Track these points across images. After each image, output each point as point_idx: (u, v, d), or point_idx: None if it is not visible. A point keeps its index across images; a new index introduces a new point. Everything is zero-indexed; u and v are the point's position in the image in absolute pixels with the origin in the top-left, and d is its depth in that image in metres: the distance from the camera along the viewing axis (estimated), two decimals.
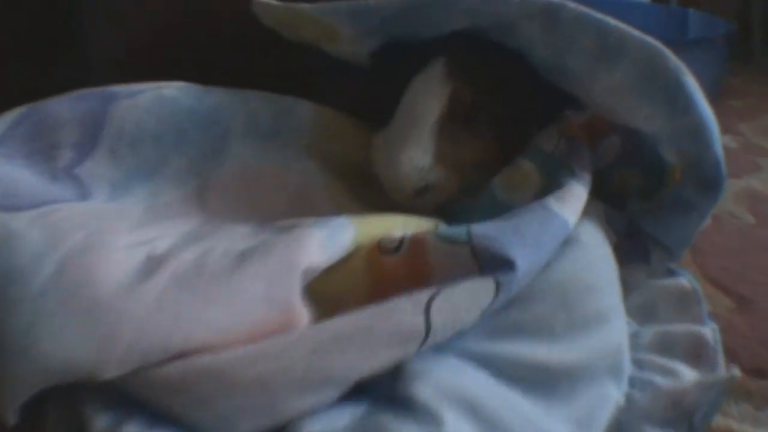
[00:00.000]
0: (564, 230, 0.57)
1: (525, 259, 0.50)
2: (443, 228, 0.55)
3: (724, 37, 1.87)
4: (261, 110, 0.72)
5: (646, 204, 0.71)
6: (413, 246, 0.53)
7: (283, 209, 0.65)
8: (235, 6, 1.36)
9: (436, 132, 0.66)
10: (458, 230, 0.52)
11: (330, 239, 0.52)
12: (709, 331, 0.62)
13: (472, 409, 0.45)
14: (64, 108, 0.66)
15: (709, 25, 1.39)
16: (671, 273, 0.71)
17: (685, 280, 0.69)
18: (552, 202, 0.58)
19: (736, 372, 0.54)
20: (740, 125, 1.56)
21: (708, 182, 0.64)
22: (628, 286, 0.63)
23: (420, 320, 0.46)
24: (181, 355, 0.44)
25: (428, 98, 0.66)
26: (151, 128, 0.67)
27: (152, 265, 0.50)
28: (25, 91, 0.70)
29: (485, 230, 0.52)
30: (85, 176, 0.63)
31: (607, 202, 0.70)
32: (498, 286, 0.49)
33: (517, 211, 0.56)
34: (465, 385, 0.46)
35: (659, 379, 0.56)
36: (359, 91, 0.81)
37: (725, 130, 1.39)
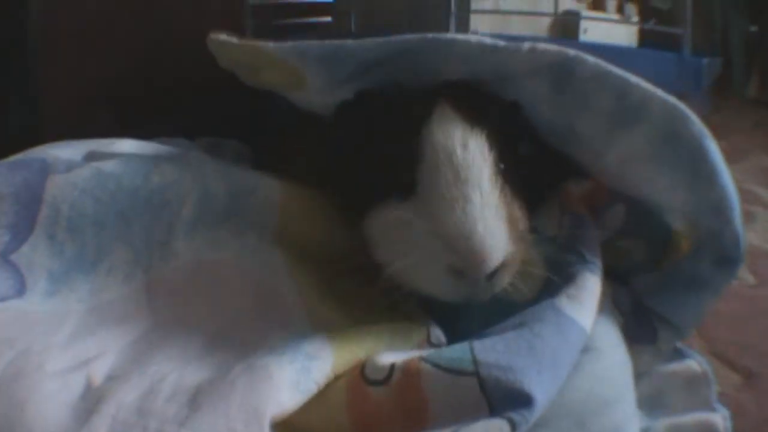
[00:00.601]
0: (582, 339, 0.53)
1: (543, 389, 0.46)
2: (441, 351, 0.49)
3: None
4: (217, 189, 0.64)
5: (651, 277, 0.66)
6: (405, 376, 0.47)
7: (244, 313, 0.58)
8: (194, 50, 1.39)
9: (497, 193, 0.55)
10: (460, 354, 0.47)
11: (303, 375, 0.47)
12: (720, 419, 0.58)
13: None
14: (1, 179, 0.61)
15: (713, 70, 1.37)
16: (680, 354, 0.67)
17: (694, 363, 0.65)
18: (565, 303, 0.54)
19: None
20: (730, 167, 1.50)
21: (725, 259, 0.60)
22: (636, 371, 0.59)
23: None
24: None
25: (468, 150, 0.55)
26: (90, 212, 0.61)
27: (89, 403, 0.47)
28: None
29: (494, 354, 0.47)
30: (21, 263, 0.58)
31: (609, 276, 0.64)
32: (513, 427, 0.43)
33: (527, 318, 0.52)
34: None
35: None
36: (324, 144, 0.71)
37: None
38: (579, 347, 0.52)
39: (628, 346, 0.59)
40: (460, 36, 0.60)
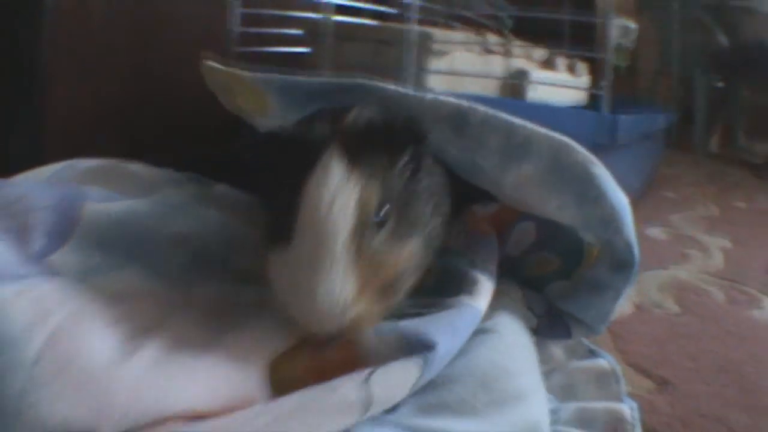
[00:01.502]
0: (475, 315, 0.62)
1: (444, 342, 0.56)
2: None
3: (662, 130, 1.94)
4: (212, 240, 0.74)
5: (563, 284, 0.74)
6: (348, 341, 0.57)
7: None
8: (181, 72, 1.40)
9: (352, 253, 0.56)
10: (388, 325, 0.58)
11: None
12: (627, 409, 0.63)
13: None
14: (36, 193, 0.70)
15: (638, 126, 1.46)
16: (592, 353, 0.74)
17: (604, 361, 0.72)
18: (465, 298, 0.63)
19: None
20: (672, 216, 1.60)
21: (621, 264, 0.68)
22: (549, 365, 0.68)
23: (362, 393, 0.51)
24: (166, 420, 0.49)
25: (332, 211, 0.56)
26: (119, 240, 0.70)
27: (135, 342, 0.55)
28: None
29: (411, 323, 0.58)
30: (55, 264, 0.65)
31: (526, 286, 0.74)
32: (423, 363, 0.54)
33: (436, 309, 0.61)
34: None
35: None
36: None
37: (656, 221, 1.45)
38: (473, 322, 0.61)
39: (543, 343, 0.69)
40: (380, 83, 0.69)
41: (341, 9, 1.49)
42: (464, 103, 0.68)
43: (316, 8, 1.68)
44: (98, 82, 1.42)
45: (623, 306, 0.95)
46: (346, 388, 0.51)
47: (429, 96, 0.69)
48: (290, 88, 0.75)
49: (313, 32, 1.56)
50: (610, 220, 0.65)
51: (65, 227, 0.69)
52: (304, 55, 1.62)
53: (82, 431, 0.47)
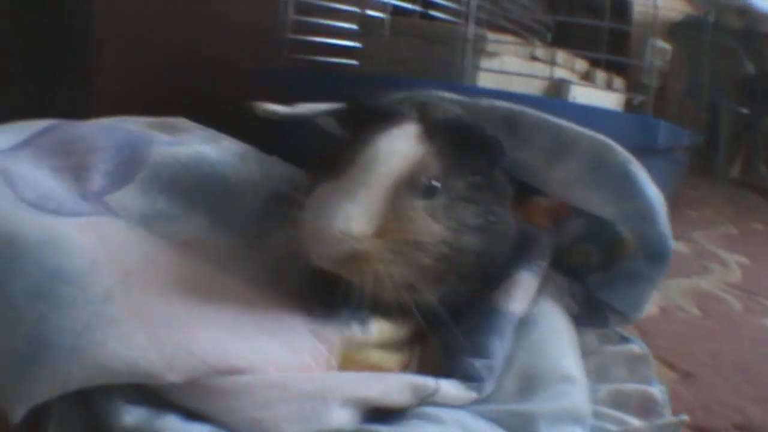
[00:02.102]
0: (511, 319, 0.66)
1: (490, 373, 0.61)
2: None
3: (686, 148, 1.98)
4: (281, 189, 0.74)
5: (603, 275, 0.79)
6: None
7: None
8: (232, 78, 1.49)
9: (387, 199, 0.58)
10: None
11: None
12: (658, 392, 0.67)
13: None
14: (98, 134, 0.71)
15: (674, 135, 1.52)
16: (625, 339, 0.79)
17: (636, 346, 0.76)
18: (498, 299, 0.68)
19: (685, 417, 0.60)
20: (694, 233, 1.68)
21: (655, 256, 0.73)
22: (586, 350, 0.72)
23: (432, 382, 0.56)
24: (240, 371, 0.51)
25: (388, 159, 0.59)
26: (184, 184, 0.72)
27: (211, 296, 0.57)
28: (24, 115, 0.73)
29: (458, 354, 0.62)
30: (113, 205, 0.66)
31: (568, 275, 0.80)
32: (478, 392, 0.59)
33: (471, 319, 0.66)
34: (472, 425, 0.55)
35: (614, 428, 0.62)
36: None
37: (679, 237, 1.50)
38: (510, 326, 0.66)
39: (582, 330, 0.73)
40: (446, 93, 0.77)
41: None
42: (516, 106, 0.74)
43: (369, 3, 1.74)
44: (148, 56, 1.47)
45: (649, 307, 1.01)
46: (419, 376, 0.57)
47: (485, 101, 0.75)
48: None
49: (366, 26, 1.62)
50: (646, 215, 0.71)
51: (128, 168, 0.69)
52: (354, 48, 1.68)
53: (147, 375, 0.47)
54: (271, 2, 1.65)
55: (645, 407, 0.66)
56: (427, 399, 0.56)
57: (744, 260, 1.49)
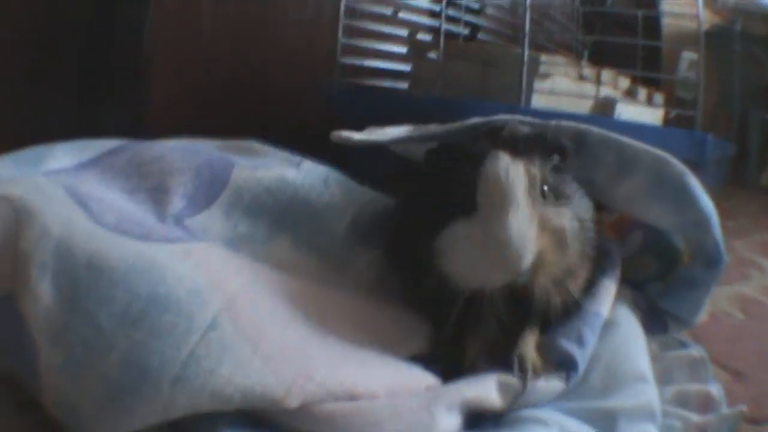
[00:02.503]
0: (599, 320, 0.71)
1: (580, 355, 0.66)
2: None
3: (723, 158, 2.02)
4: (364, 213, 0.78)
5: (661, 285, 0.85)
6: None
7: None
8: (286, 98, 1.56)
9: (530, 206, 0.63)
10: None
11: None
12: (715, 390, 0.74)
13: None
14: (175, 155, 0.70)
15: (719, 148, 1.58)
16: (684, 345, 0.85)
17: (695, 351, 0.83)
18: (586, 302, 0.72)
19: (743, 406, 0.68)
20: (734, 242, 1.72)
21: (711, 261, 0.79)
22: (651, 356, 0.76)
23: (519, 383, 0.61)
24: (355, 398, 0.51)
25: (509, 176, 0.63)
26: (268, 207, 0.72)
27: (318, 320, 0.59)
28: (76, 131, 0.72)
29: (553, 338, 0.68)
30: (194, 228, 0.66)
31: (630, 285, 0.85)
32: (567, 380, 0.64)
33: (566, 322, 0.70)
34: (569, 426, 0.60)
35: (679, 424, 0.68)
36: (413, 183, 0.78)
37: None
38: (598, 326, 0.70)
39: (646, 337, 0.77)
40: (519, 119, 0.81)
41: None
42: (582, 125, 0.81)
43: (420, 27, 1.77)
44: (199, 77, 1.49)
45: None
46: (504, 376, 0.61)
47: (553, 122, 0.81)
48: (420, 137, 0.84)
49: (418, 49, 1.68)
50: (702, 223, 0.77)
51: (209, 191, 0.69)
52: (405, 72, 1.73)
53: (264, 401, 0.47)
54: (326, 26, 1.71)
55: (705, 404, 0.72)
56: (517, 398, 0.61)
57: None
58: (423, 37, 1.78)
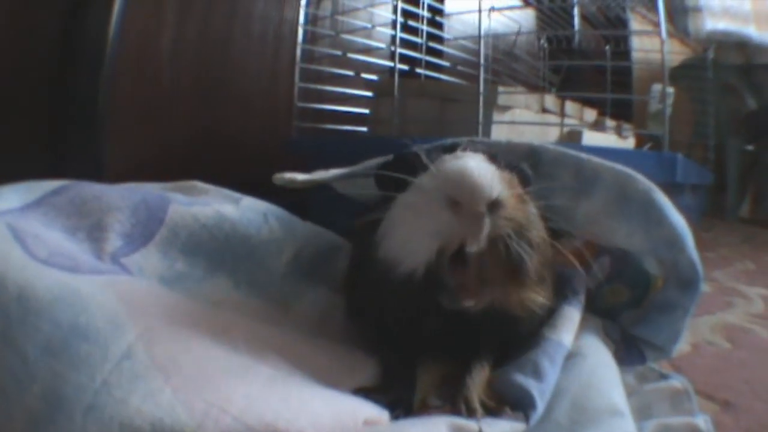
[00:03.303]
0: (561, 350, 0.65)
1: (539, 390, 0.59)
2: None
3: (700, 187, 2.00)
4: (307, 249, 0.77)
5: (635, 312, 0.79)
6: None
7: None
8: (241, 145, 1.59)
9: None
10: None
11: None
12: (702, 422, 0.68)
13: None
14: (114, 194, 0.69)
15: (691, 171, 1.55)
16: (664, 376, 0.80)
17: (676, 382, 0.77)
18: (546, 332, 0.67)
19: None
20: (714, 272, 1.69)
21: (687, 282, 0.74)
22: (627, 390, 0.70)
23: (475, 427, 0.53)
24: None
25: (481, 170, 0.58)
26: (205, 244, 0.70)
27: (243, 354, 0.55)
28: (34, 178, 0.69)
29: (508, 375, 0.61)
30: (131, 266, 0.64)
31: (600, 315, 0.80)
32: (527, 419, 0.57)
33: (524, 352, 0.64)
34: None
35: None
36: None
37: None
38: (561, 355, 0.65)
39: (621, 369, 0.71)
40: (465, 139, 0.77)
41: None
42: (535, 143, 0.77)
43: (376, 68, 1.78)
44: (159, 129, 1.51)
45: (684, 338, 1.03)
46: (463, 421, 0.54)
47: (503, 141, 0.78)
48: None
49: (378, 90, 1.66)
50: (674, 241, 0.72)
51: (145, 229, 0.68)
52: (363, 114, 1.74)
53: None
54: (284, 73, 1.74)
55: None
56: None
57: (765, 291, 1.51)
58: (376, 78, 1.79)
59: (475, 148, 0.69)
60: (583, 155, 0.75)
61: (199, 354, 0.52)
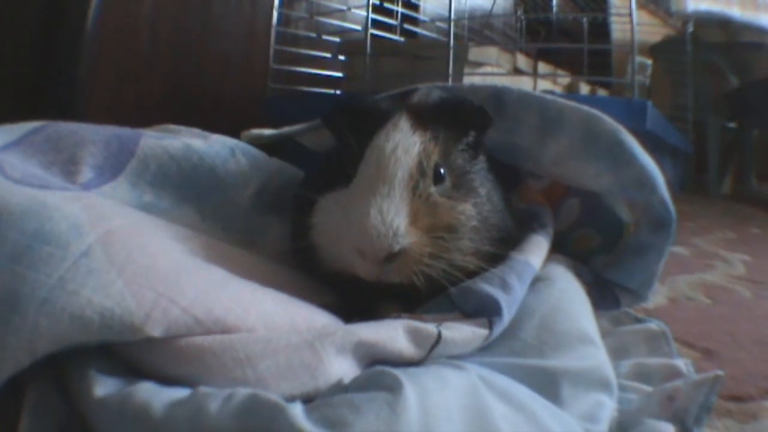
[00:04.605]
0: (529, 270, 0.63)
1: (505, 301, 0.57)
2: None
3: (680, 155, 1.97)
4: (272, 183, 0.75)
5: (607, 257, 0.77)
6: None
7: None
8: (236, 89, 1.62)
9: (409, 190, 0.59)
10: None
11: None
12: (683, 364, 0.65)
13: (504, 395, 0.47)
14: (88, 129, 0.69)
15: (663, 125, 1.52)
16: (639, 320, 0.77)
17: (653, 324, 0.74)
18: (513, 254, 0.64)
19: (721, 373, 0.57)
20: (693, 239, 1.67)
21: (659, 222, 0.71)
22: (601, 332, 0.66)
23: (434, 330, 0.51)
24: (228, 331, 0.46)
25: (395, 152, 0.60)
26: (173, 176, 0.70)
27: (199, 259, 0.55)
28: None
29: (470, 282, 0.59)
30: (101, 196, 0.64)
31: (570, 257, 0.76)
32: (491, 327, 0.55)
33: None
34: (493, 379, 0.49)
35: (637, 398, 0.59)
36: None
37: (679, 243, 1.50)
38: (528, 275, 0.62)
39: (596, 314, 0.67)
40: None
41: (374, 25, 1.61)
42: (498, 84, 0.74)
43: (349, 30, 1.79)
44: (137, 90, 1.53)
45: (657, 298, 1.01)
46: (421, 324, 0.52)
47: (466, 85, 0.76)
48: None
49: (350, 50, 1.64)
50: (644, 181, 0.70)
51: (117, 161, 0.68)
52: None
53: (123, 327, 0.44)
54: (260, 36, 1.75)
55: (671, 377, 0.63)
56: (434, 348, 0.52)
57: (746, 257, 1.48)
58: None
59: (435, 95, 0.69)
60: (548, 96, 0.73)
61: (155, 253, 0.51)
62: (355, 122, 0.64)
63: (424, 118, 0.63)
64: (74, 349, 0.43)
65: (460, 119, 0.65)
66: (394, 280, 0.57)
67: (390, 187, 0.58)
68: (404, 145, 0.60)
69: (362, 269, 0.57)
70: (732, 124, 3.08)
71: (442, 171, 0.62)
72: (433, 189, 0.60)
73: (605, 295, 0.75)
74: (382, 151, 0.60)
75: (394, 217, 0.56)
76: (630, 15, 1.38)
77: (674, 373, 0.64)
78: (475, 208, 0.62)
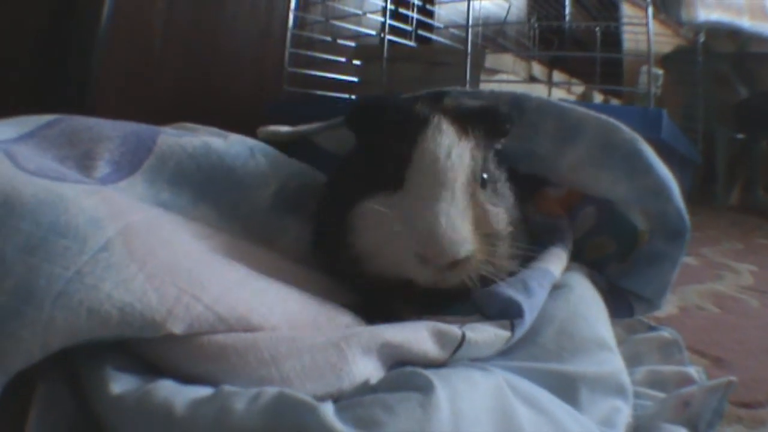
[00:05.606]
0: (549, 276, 0.64)
1: (527, 305, 0.58)
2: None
3: (688, 163, 1.98)
4: (290, 184, 0.75)
5: (622, 265, 0.78)
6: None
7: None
8: (248, 92, 1.62)
9: (468, 197, 0.60)
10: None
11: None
12: (695, 371, 0.67)
13: (527, 398, 0.48)
14: (105, 125, 0.68)
15: (677, 135, 1.54)
16: (652, 328, 0.78)
17: (665, 333, 0.76)
18: (533, 263, 0.66)
19: (734, 379, 0.57)
20: (702, 249, 1.68)
21: (674, 232, 0.73)
22: (616, 338, 0.67)
23: (458, 331, 0.52)
24: (251, 329, 0.46)
25: (450, 157, 0.60)
26: (192, 174, 0.69)
27: (222, 257, 0.54)
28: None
29: (497, 286, 0.60)
30: (117, 191, 0.62)
31: (587, 267, 0.77)
32: (512, 328, 0.56)
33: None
34: (516, 382, 0.50)
35: (652, 405, 0.60)
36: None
37: (689, 252, 1.51)
38: (548, 281, 0.63)
39: (610, 321, 0.68)
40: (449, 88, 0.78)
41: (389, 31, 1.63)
42: (518, 92, 0.75)
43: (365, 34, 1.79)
44: (150, 90, 1.54)
45: (668, 307, 1.02)
46: (446, 325, 0.52)
47: (487, 89, 0.77)
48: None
49: (365, 55, 1.65)
50: (660, 191, 0.71)
51: (134, 157, 0.66)
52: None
53: (144, 322, 0.43)
54: (275, 38, 1.77)
55: (684, 386, 0.64)
56: (458, 349, 0.52)
57: (754, 268, 1.50)
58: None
59: (467, 100, 0.71)
60: (567, 104, 0.74)
61: (177, 249, 0.51)
62: (383, 123, 0.64)
63: (463, 123, 0.64)
64: (87, 345, 0.43)
65: (494, 126, 0.66)
66: (450, 285, 0.58)
67: (452, 194, 0.58)
68: (457, 150, 0.60)
69: (421, 275, 0.57)
70: (740, 135, 3.07)
71: (485, 177, 0.63)
72: (483, 193, 0.62)
73: (619, 302, 0.76)
74: (437, 156, 0.59)
75: (461, 225, 0.57)
76: (647, 25, 1.40)
77: (687, 381, 0.65)
78: (507, 214, 0.64)
